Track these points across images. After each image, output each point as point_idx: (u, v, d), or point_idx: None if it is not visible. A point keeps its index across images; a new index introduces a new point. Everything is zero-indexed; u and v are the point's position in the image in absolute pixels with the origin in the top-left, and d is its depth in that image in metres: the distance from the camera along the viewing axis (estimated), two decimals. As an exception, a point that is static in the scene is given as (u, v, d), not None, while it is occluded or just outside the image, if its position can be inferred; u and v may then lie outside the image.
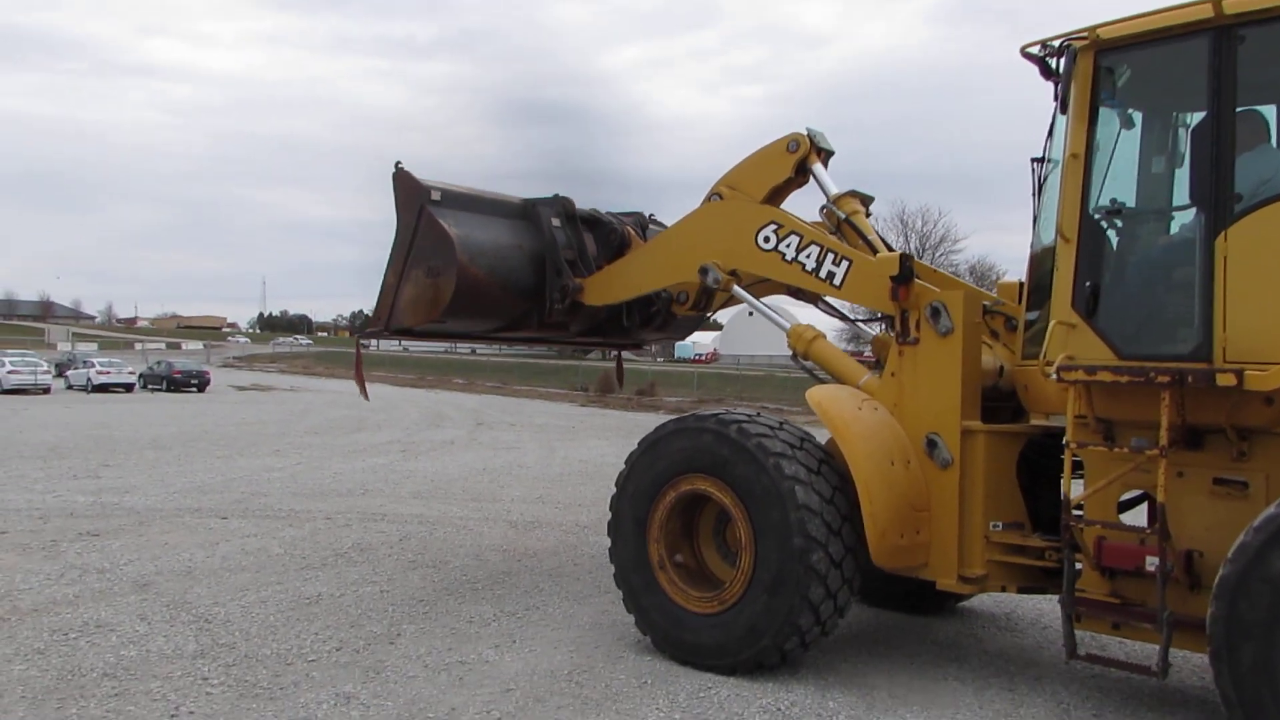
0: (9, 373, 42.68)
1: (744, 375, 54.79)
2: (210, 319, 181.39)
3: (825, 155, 7.26)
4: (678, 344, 53.91)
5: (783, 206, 7.32)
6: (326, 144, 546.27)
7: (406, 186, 7.53)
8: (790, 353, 7.03)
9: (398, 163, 7.59)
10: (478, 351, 69.61)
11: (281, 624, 6.69)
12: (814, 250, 6.68)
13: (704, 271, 7.10)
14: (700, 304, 7.85)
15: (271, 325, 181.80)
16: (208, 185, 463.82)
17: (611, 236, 8.03)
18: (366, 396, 8.60)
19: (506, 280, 7.59)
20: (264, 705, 5.14)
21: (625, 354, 10.37)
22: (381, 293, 7.74)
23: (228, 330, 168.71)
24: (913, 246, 48.37)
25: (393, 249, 7.65)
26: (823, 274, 6.65)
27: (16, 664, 5.77)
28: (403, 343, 8.05)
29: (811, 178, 7.23)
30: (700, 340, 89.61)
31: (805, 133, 7.14)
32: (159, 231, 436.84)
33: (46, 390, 43.07)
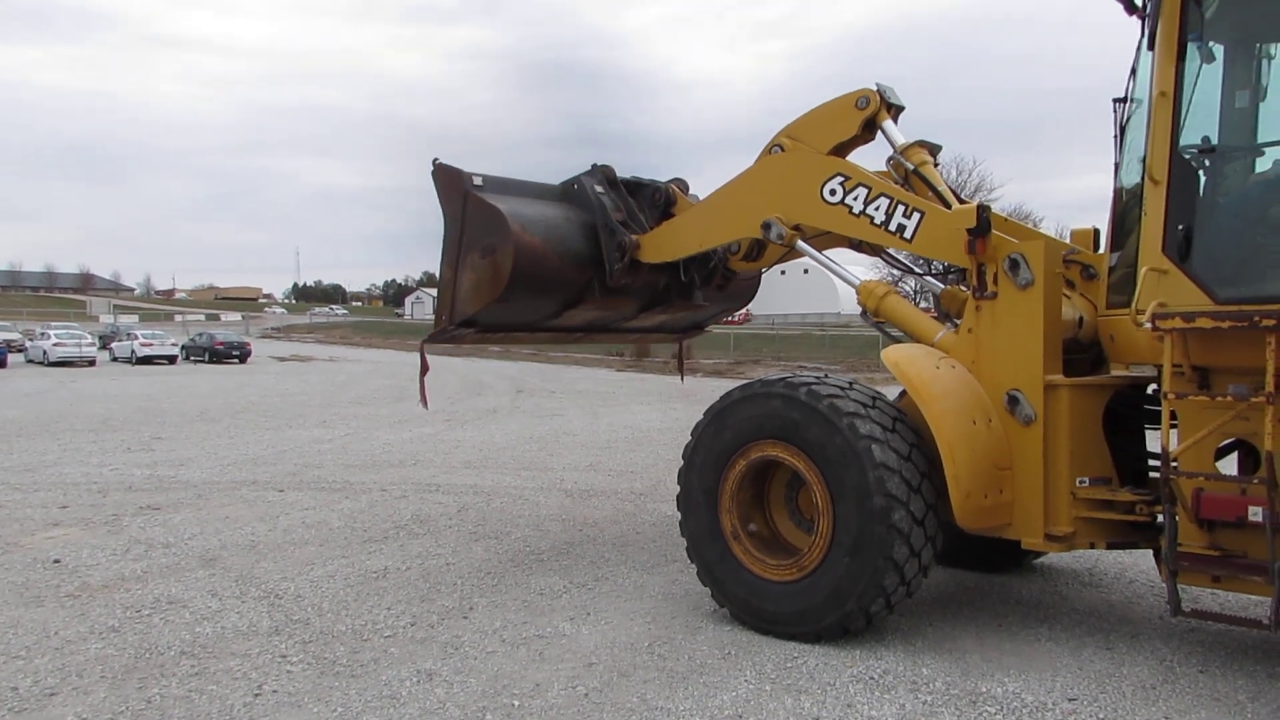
0: (55, 345, 43.50)
1: (780, 335, 54.39)
2: (246, 290, 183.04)
3: (896, 111, 6.99)
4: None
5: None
6: (355, 113, 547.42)
7: (447, 178, 7.45)
8: (859, 309, 6.82)
9: (435, 159, 7.50)
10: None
11: (352, 599, 6.64)
12: (883, 202, 6.43)
13: (767, 227, 6.88)
14: (752, 254, 7.77)
15: (306, 295, 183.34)
16: (238, 157, 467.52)
17: (657, 196, 7.95)
18: (426, 405, 8.49)
19: (562, 247, 7.45)
20: (346, 684, 5.07)
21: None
22: (440, 290, 7.63)
23: (264, 301, 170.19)
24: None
25: (444, 244, 7.55)
26: (892, 227, 6.40)
27: (93, 642, 5.76)
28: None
29: (880, 134, 6.97)
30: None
31: (875, 88, 6.87)
32: (193, 203, 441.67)
33: (92, 362, 43.76)
